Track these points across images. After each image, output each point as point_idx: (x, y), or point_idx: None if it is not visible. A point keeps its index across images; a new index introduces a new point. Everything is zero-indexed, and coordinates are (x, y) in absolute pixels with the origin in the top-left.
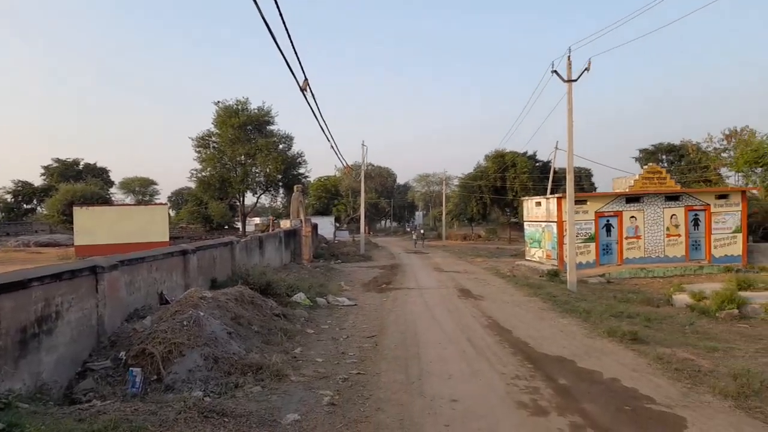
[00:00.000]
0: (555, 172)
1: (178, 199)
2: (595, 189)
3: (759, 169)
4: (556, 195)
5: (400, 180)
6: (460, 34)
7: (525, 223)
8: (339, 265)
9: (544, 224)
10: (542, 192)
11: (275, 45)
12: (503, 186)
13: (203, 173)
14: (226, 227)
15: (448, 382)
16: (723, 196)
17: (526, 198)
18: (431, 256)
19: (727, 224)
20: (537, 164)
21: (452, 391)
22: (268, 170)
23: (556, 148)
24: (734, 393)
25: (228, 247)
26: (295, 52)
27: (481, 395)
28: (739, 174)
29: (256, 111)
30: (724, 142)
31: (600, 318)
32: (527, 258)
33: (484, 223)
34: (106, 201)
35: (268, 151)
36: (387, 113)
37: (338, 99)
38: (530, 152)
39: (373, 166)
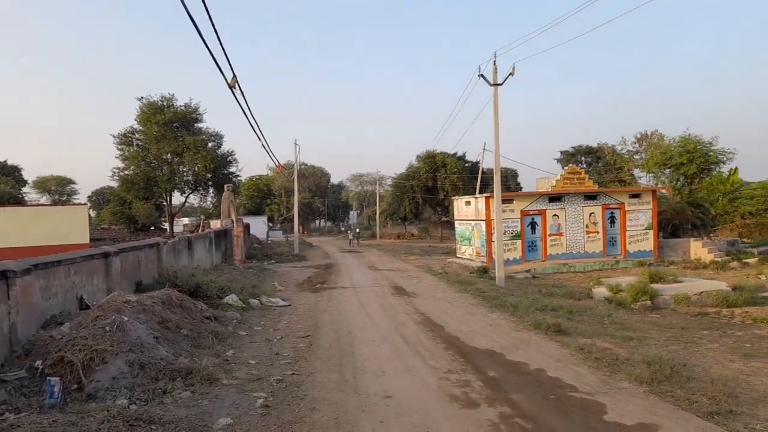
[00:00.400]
0: (483, 173)
1: (100, 198)
2: (521, 189)
3: (667, 170)
4: (485, 194)
5: (334, 179)
6: (391, 34)
7: (455, 222)
8: (272, 265)
9: (473, 223)
10: (472, 191)
11: (202, 41)
12: (434, 186)
13: (126, 172)
14: (153, 228)
15: (382, 378)
16: (636, 196)
17: (457, 197)
18: (366, 255)
19: (639, 221)
20: (466, 165)
21: (386, 387)
22: (196, 169)
23: (484, 149)
24: (648, 379)
25: (154, 248)
26: (223, 49)
27: (414, 390)
28: (650, 175)
29: (182, 108)
30: (636, 145)
31: (526, 312)
32: (458, 255)
33: (417, 222)
34: (19, 201)
35: (196, 149)
36: (320, 113)
37: (271, 99)
38: (460, 153)
39: (306, 165)
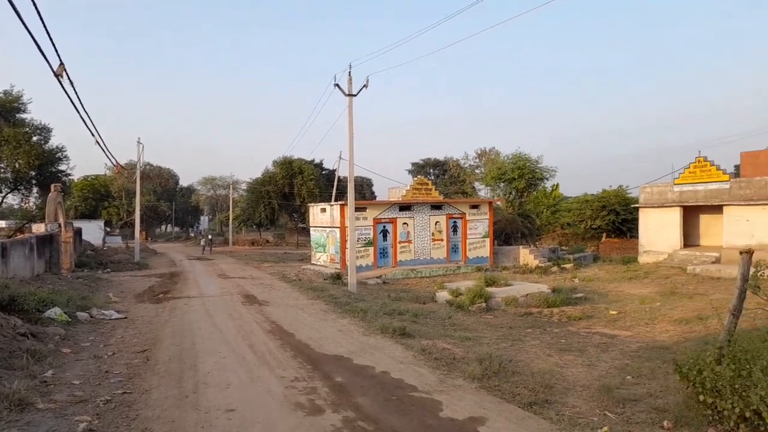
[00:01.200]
0: (339, 181)
1: None
2: (375, 197)
3: (502, 184)
4: (340, 202)
5: (184, 182)
6: (248, 41)
7: (311, 229)
8: (108, 274)
9: (328, 230)
10: (328, 199)
11: (22, 24)
12: (291, 192)
13: None
14: None
15: (225, 392)
16: (475, 206)
17: (313, 204)
18: (217, 263)
19: (478, 230)
20: (324, 172)
21: (230, 400)
22: (17, 165)
23: (340, 157)
24: (479, 375)
25: None
26: (47, 32)
27: (259, 402)
28: (488, 187)
29: (1, 96)
30: (477, 160)
31: (375, 316)
32: (313, 262)
33: (273, 229)
34: None
35: (17, 143)
36: (169, 114)
37: (114, 94)
38: (318, 160)
39: (151, 165)
